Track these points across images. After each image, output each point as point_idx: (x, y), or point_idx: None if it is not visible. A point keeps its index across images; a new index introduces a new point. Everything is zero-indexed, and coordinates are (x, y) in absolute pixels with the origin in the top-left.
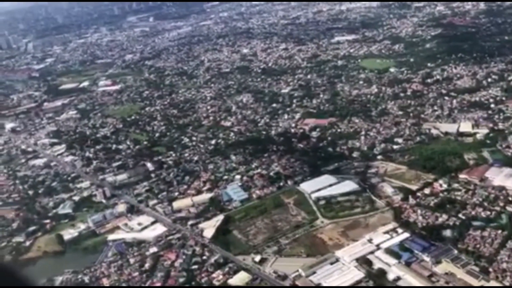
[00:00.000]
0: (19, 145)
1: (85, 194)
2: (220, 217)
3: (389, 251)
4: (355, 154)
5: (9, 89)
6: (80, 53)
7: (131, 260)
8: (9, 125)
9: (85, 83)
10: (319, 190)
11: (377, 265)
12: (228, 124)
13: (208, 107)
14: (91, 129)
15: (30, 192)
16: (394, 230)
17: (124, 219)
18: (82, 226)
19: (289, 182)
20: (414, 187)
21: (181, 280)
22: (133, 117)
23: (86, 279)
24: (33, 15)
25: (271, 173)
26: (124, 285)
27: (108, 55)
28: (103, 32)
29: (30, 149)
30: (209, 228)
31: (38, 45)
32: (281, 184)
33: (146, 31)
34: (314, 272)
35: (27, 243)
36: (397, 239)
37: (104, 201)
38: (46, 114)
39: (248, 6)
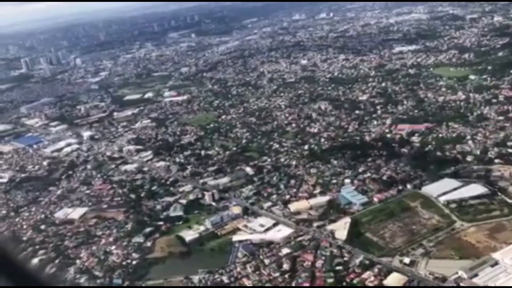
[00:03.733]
0: (103, 151)
1: (191, 197)
2: (346, 219)
3: None
4: (469, 158)
5: (73, 100)
6: (133, 67)
7: (266, 261)
8: (86, 133)
9: (149, 94)
10: (445, 193)
11: None
12: (314, 130)
13: (287, 115)
14: (172, 137)
15: (132, 196)
16: None
17: (242, 220)
18: (201, 228)
19: (408, 186)
20: None
21: (330, 280)
22: (211, 125)
23: (225, 279)
24: (73, 33)
25: (384, 177)
26: (267, 285)
27: (162, 68)
28: (149, 48)
29: (116, 155)
30: (339, 230)
31: (86, 60)
32: (400, 188)
33: (192, 46)
34: (476, 275)
35: (148, 244)
36: None
37: (213, 203)
38: (119, 122)
39: (290, 21)
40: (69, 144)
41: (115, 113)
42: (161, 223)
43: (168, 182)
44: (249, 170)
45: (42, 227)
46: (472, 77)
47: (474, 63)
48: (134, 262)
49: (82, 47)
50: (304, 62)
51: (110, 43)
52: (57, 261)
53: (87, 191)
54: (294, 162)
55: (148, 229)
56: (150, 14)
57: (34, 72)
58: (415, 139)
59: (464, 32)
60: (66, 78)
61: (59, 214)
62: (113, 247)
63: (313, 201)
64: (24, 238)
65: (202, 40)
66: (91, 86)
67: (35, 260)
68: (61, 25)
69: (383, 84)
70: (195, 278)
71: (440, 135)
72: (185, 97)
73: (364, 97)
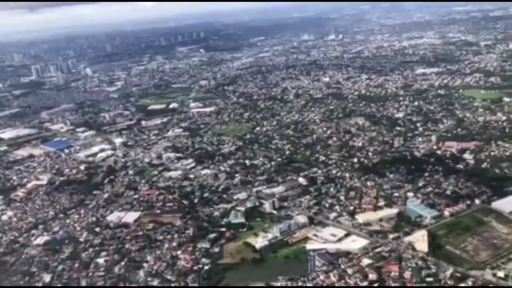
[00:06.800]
0: (141, 158)
1: (249, 204)
2: (422, 232)
3: None
4: None
5: (94, 107)
6: (148, 78)
7: (349, 270)
8: (118, 140)
9: (174, 105)
10: None
11: None
12: (359, 144)
13: (324, 128)
14: (210, 146)
15: (185, 202)
16: None
17: (310, 229)
18: (269, 235)
19: (476, 201)
20: None
21: None
22: (248, 136)
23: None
24: (77, 44)
25: (447, 192)
26: None
27: (179, 80)
28: (160, 60)
29: (155, 162)
30: (418, 242)
31: (97, 70)
32: (468, 202)
33: (205, 61)
34: None
35: (215, 249)
36: None
37: (275, 212)
38: (149, 130)
39: (299, 41)
40: (102, 150)
41: (143, 122)
42: (223, 229)
43: (219, 190)
44: (302, 180)
45: (97, 229)
46: (506, 99)
47: (503, 86)
48: (205, 267)
49: (90, 57)
50: (326, 79)
51: (118, 54)
52: (122, 263)
53: (135, 196)
54: (347, 174)
55: (212, 235)
56: (152, 30)
57: (45, 80)
58: (468, 156)
59: (482, 58)
60: (81, 86)
61: (112, 218)
62: (179, 252)
63: (382, 213)
64: (81, 240)
65: (214, 55)
66: (109, 95)
67: (99, 261)
68: (60, 36)
69: (416, 103)
70: (277, 285)
71: (492, 153)
72: (212, 108)
73: (401, 115)
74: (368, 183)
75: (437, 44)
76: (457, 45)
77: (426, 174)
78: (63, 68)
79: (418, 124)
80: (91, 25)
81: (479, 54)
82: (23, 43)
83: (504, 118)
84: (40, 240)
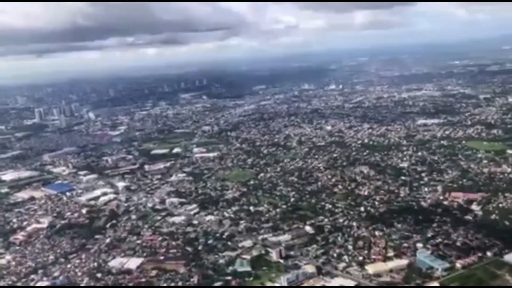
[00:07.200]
0: (144, 202)
1: (254, 253)
2: (434, 284)
3: None
4: None
5: (96, 151)
6: (151, 123)
7: None
8: (120, 184)
9: (177, 150)
10: None
11: None
12: (364, 193)
13: (329, 176)
14: (213, 191)
15: (189, 248)
16: None
17: (318, 280)
18: (276, 285)
19: (488, 254)
20: None
21: None
22: (252, 182)
23: None
24: (80, 88)
25: (457, 243)
26: None
27: (183, 126)
28: (163, 106)
29: (158, 207)
30: None
31: (100, 114)
32: (480, 255)
33: (207, 107)
34: None
35: None
36: None
37: (281, 261)
38: (152, 175)
39: (300, 90)
40: (105, 193)
41: (146, 166)
42: (229, 278)
43: (224, 236)
44: (308, 229)
45: (98, 275)
46: (510, 151)
47: (506, 139)
48: None
49: (93, 101)
50: (328, 128)
51: (121, 99)
52: None
53: (138, 241)
54: (355, 223)
55: (217, 284)
56: (154, 76)
57: (48, 122)
58: (475, 207)
59: (482, 110)
60: (84, 130)
61: (114, 263)
62: None
63: (392, 264)
64: (82, 286)
65: (216, 102)
66: (112, 139)
67: None
68: (64, 80)
69: (419, 153)
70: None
71: (501, 204)
72: (215, 153)
73: (405, 164)
74: (376, 233)
75: (437, 96)
76: (456, 98)
77: (435, 224)
78: (66, 111)
79: (423, 174)
80: (95, 70)
81: (478, 107)
82: (27, 86)
83: (509, 170)
84: (40, 285)
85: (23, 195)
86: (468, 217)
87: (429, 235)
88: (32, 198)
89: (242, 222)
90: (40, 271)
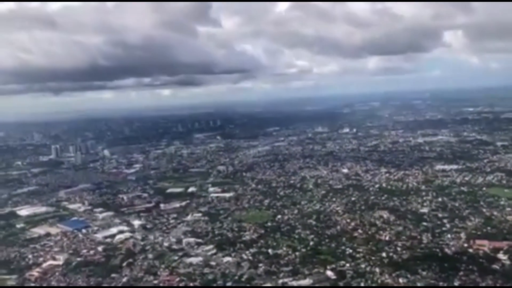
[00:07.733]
0: (160, 242)
1: None
2: None
3: None
4: None
5: (112, 188)
6: (166, 162)
7: None
8: (136, 222)
9: (193, 189)
10: None
11: None
12: (386, 238)
13: (348, 220)
14: (230, 232)
15: None
16: None
17: None
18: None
19: None
20: None
21: None
22: (269, 224)
23: None
24: (96, 126)
25: None
26: None
27: (197, 165)
28: (178, 145)
29: (175, 247)
30: None
31: (115, 152)
32: None
33: (222, 147)
34: None
35: None
36: None
37: None
38: (168, 214)
39: (314, 133)
40: (121, 231)
41: (161, 204)
42: None
43: (242, 279)
44: (330, 274)
45: None
46: None
47: None
48: None
49: (109, 139)
50: (345, 170)
51: (136, 138)
52: None
53: (155, 281)
54: (377, 269)
55: None
56: (169, 116)
57: (63, 159)
58: (502, 256)
59: (501, 157)
60: (99, 167)
61: None
62: None
63: None
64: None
65: (230, 143)
66: (127, 177)
67: None
68: (80, 118)
69: (440, 199)
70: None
71: None
72: (231, 194)
73: (425, 210)
74: (400, 280)
75: (453, 142)
76: (473, 144)
77: (461, 273)
78: (82, 148)
79: (445, 220)
80: (111, 109)
81: (497, 154)
82: (44, 123)
83: None
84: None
85: (39, 230)
86: (496, 266)
87: (456, 283)
88: (48, 234)
89: (260, 265)
90: None
